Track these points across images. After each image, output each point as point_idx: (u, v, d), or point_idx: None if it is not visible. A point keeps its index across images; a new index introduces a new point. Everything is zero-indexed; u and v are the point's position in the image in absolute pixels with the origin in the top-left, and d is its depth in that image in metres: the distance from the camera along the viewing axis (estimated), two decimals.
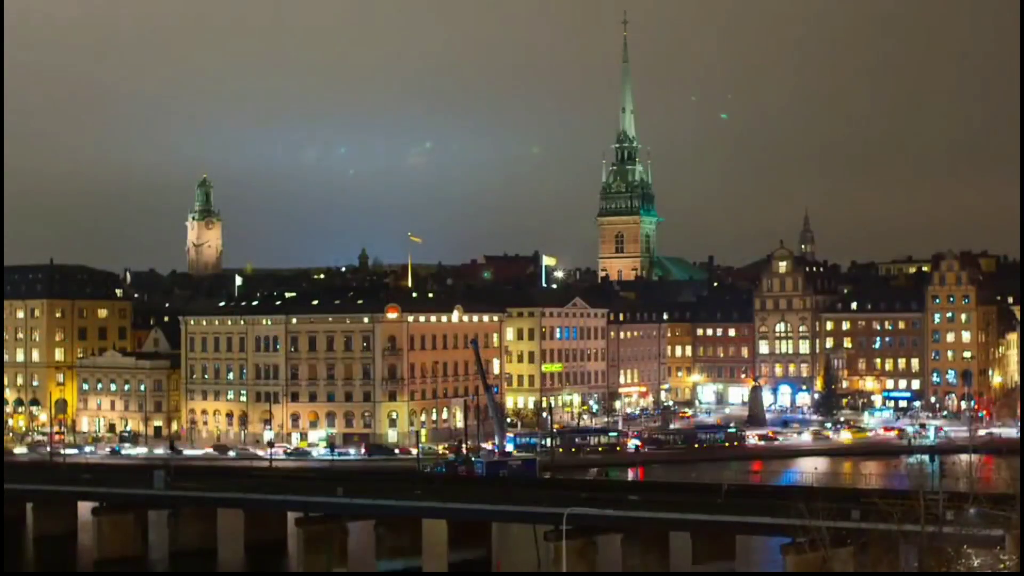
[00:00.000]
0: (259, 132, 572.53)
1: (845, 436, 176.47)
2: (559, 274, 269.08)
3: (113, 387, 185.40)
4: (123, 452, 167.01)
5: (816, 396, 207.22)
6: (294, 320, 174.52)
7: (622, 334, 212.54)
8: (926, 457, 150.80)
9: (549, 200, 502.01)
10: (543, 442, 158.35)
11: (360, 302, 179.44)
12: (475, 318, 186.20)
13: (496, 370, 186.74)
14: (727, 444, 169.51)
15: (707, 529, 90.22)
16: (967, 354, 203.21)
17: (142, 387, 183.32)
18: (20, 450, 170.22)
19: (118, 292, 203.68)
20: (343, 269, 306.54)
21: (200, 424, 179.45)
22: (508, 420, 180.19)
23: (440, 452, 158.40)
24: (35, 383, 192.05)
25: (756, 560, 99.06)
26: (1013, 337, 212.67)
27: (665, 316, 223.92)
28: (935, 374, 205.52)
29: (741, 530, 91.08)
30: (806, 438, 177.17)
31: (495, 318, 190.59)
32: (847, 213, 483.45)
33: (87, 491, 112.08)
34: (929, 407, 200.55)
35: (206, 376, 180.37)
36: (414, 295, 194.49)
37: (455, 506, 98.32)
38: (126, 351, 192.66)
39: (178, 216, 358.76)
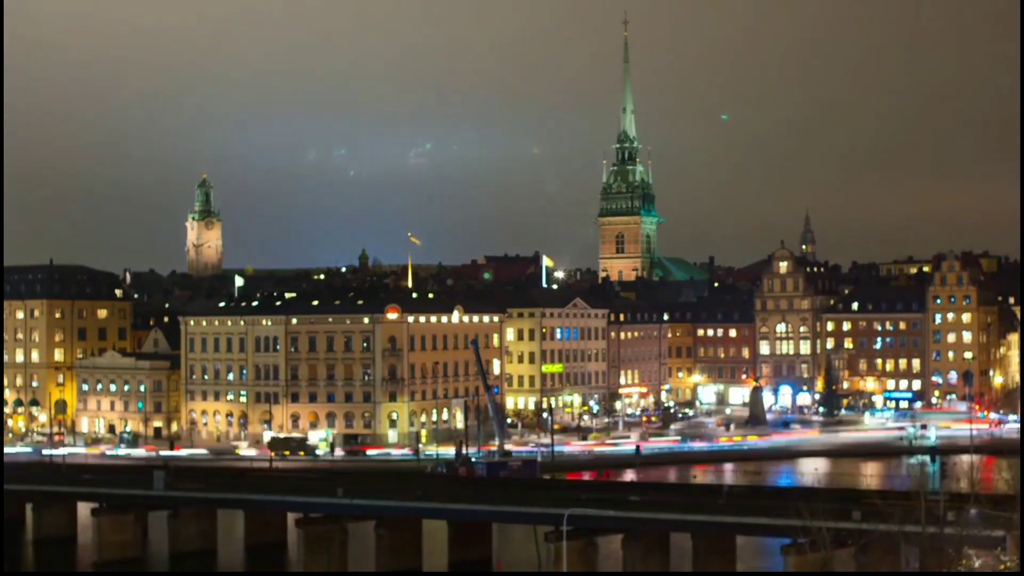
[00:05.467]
0: (259, 133, 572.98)
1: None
2: (560, 274, 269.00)
3: (113, 388, 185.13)
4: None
5: (817, 397, 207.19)
6: (294, 320, 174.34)
7: (622, 335, 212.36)
8: (927, 458, 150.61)
9: (549, 200, 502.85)
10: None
11: (360, 302, 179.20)
12: (475, 319, 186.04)
13: (496, 371, 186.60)
14: None
15: (708, 530, 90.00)
16: (968, 355, 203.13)
17: (142, 388, 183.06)
18: (19, 449, 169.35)
19: (118, 292, 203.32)
20: (343, 269, 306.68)
21: (200, 425, 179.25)
22: (508, 421, 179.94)
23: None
24: (35, 384, 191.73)
25: (757, 561, 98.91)
26: (1014, 338, 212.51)
27: (666, 316, 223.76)
28: (936, 375, 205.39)
29: (742, 531, 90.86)
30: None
31: (495, 319, 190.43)
32: (848, 213, 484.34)
33: (87, 491, 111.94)
34: (930, 408, 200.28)
35: (206, 377, 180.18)
36: (414, 295, 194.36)
37: (455, 507, 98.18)
38: (126, 352, 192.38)
39: (178, 216, 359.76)
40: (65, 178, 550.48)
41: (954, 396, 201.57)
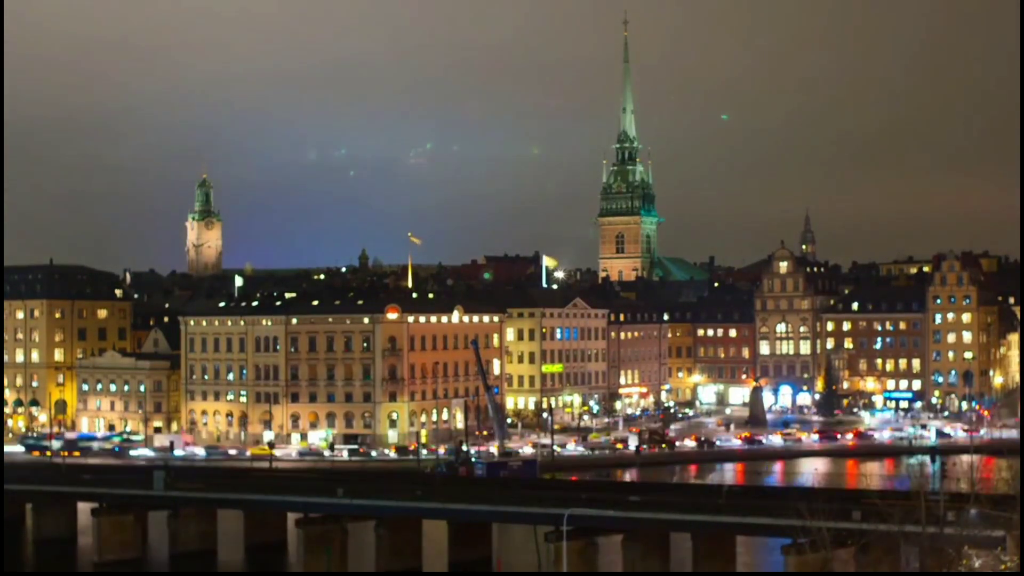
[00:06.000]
0: (259, 132, 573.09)
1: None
2: (560, 274, 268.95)
3: (113, 388, 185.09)
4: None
5: (817, 397, 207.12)
6: (294, 320, 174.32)
7: (623, 335, 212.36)
8: (927, 458, 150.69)
9: (549, 200, 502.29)
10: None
11: (360, 302, 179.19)
12: (475, 319, 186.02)
13: (496, 371, 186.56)
14: None
15: (708, 530, 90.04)
16: (968, 355, 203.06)
17: (142, 388, 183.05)
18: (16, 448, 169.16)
19: (118, 292, 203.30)
20: (343, 269, 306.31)
21: (200, 425, 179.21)
22: (508, 421, 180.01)
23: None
24: (35, 384, 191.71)
25: (757, 561, 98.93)
26: (1014, 338, 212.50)
27: (666, 317, 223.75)
28: (936, 375, 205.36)
29: (742, 531, 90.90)
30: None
31: (495, 319, 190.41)
32: (848, 213, 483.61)
33: (87, 491, 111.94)
34: (930, 408, 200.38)
35: (206, 376, 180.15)
36: (414, 295, 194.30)
37: (455, 507, 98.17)
38: (126, 351, 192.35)
39: (178, 216, 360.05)
40: (65, 178, 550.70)
41: (954, 396, 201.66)
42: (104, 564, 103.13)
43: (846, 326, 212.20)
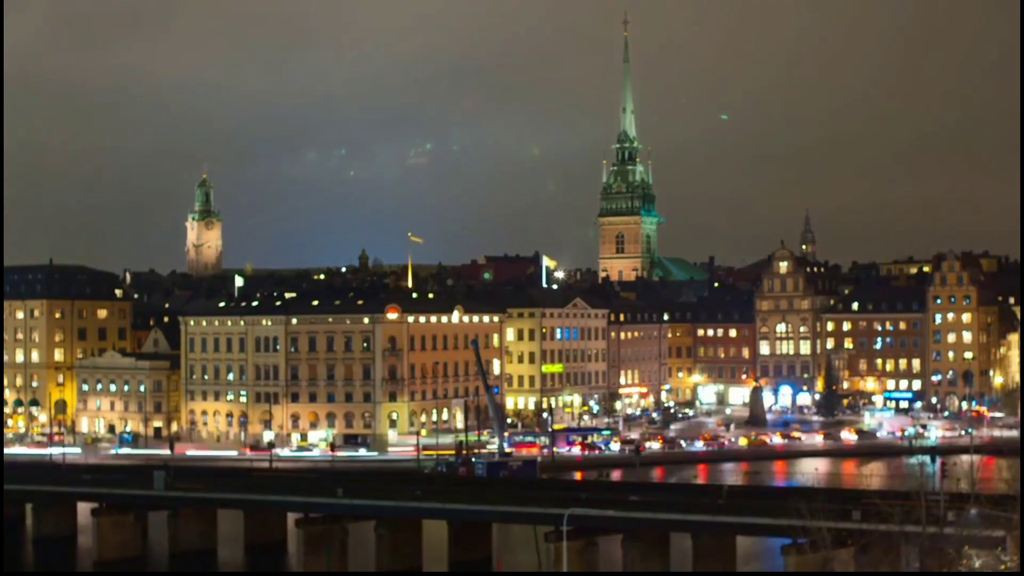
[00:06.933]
0: (259, 132, 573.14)
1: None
2: (560, 275, 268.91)
3: (113, 388, 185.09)
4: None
5: (817, 397, 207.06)
6: (294, 320, 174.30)
7: (623, 335, 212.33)
8: (927, 458, 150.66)
9: (549, 200, 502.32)
10: None
11: (360, 302, 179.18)
12: (475, 319, 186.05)
13: (496, 371, 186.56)
14: None
15: (708, 530, 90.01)
16: (968, 355, 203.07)
17: (142, 388, 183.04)
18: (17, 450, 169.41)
19: (118, 292, 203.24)
20: (343, 269, 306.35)
21: (200, 425, 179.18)
22: (508, 421, 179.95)
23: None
24: (35, 384, 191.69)
25: (757, 561, 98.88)
26: (1014, 338, 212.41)
27: (666, 317, 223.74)
28: (936, 375, 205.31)
29: (742, 531, 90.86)
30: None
31: (495, 319, 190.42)
32: (848, 213, 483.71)
33: (87, 491, 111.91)
34: (930, 408, 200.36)
35: (206, 376, 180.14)
36: (414, 295, 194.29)
37: (455, 507, 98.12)
38: (126, 351, 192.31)
39: (178, 216, 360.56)
40: (65, 178, 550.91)
41: (954, 396, 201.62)
42: (104, 564, 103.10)
43: (846, 326, 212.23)
